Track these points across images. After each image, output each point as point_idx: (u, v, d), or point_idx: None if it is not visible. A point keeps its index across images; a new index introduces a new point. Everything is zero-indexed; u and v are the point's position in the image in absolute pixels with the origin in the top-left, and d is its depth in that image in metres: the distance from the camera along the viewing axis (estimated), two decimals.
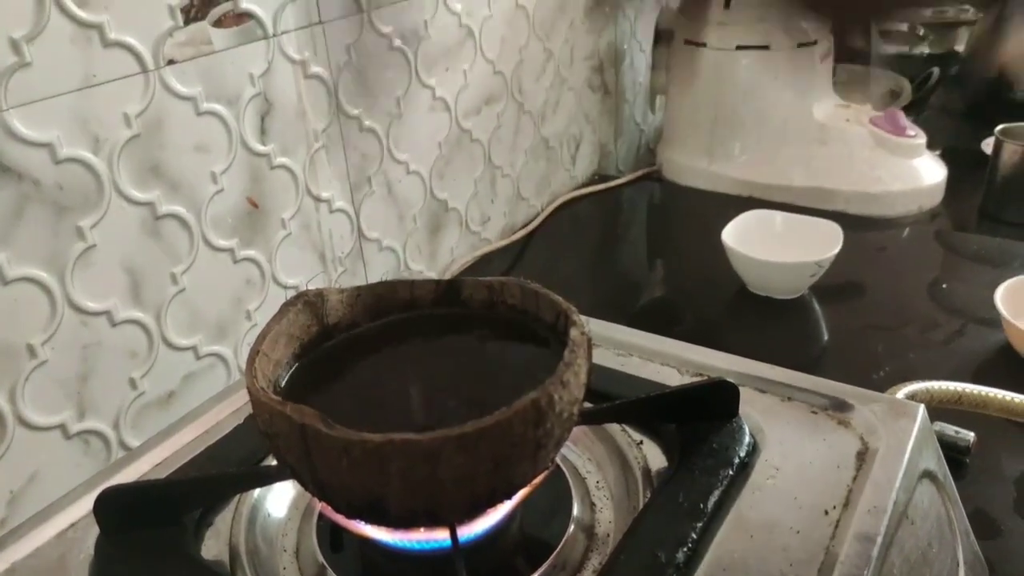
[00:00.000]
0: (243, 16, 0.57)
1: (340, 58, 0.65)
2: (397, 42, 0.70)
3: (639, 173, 1.06)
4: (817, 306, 0.75)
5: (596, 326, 0.50)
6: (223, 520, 0.38)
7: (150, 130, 0.53)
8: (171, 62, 0.53)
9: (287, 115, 0.62)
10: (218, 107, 0.57)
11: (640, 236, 0.99)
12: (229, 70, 0.57)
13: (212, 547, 0.37)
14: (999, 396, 0.51)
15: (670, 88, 1.01)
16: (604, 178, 1.06)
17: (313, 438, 0.30)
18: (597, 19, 0.99)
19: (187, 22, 0.53)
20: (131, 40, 0.50)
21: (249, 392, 0.32)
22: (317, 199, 0.67)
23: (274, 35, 0.59)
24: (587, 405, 0.39)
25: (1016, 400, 0.51)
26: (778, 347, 0.70)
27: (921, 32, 1.34)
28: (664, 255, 0.94)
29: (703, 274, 0.80)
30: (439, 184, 0.80)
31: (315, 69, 0.63)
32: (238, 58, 0.57)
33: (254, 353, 0.35)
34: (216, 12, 0.55)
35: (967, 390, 0.51)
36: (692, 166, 1.00)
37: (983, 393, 0.51)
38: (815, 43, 0.91)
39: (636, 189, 1.05)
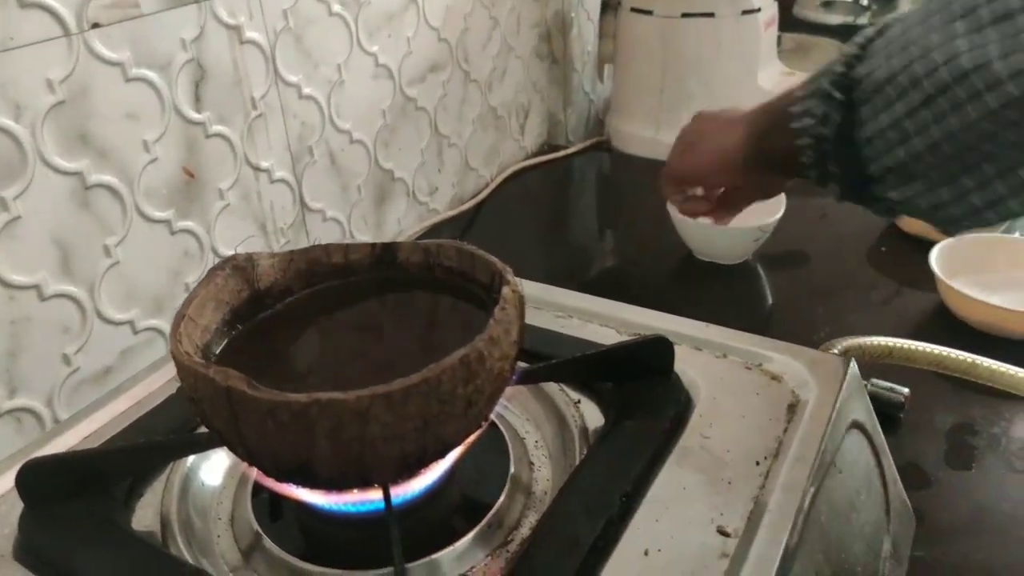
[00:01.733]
0: None
1: (277, 23, 0.64)
2: (336, 7, 0.69)
3: (588, 143, 1.06)
4: (762, 271, 0.76)
5: (537, 289, 0.50)
6: (154, 490, 0.38)
7: (75, 97, 0.51)
8: (96, 25, 0.51)
9: (222, 82, 0.60)
10: (148, 73, 0.55)
11: (590, 206, 0.99)
12: (159, 35, 0.55)
13: (143, 517, 0.37)
14: (927, 350, 0.52)
15: (617, 57, 1.01)
16: (553, 148, 1.06)
17: (238, 401, 0.29)
18: None
19: None
20: (50, 1, 0.48)
21: (173, 357, 0.32)
22: (256, 168, 0.65)
23: None
24: (525, 365, 0.40)
25: (943, 353, 0.52)
26: (724, 311, 0.71)
27: (865, 2, 1.35)
28: (613, 224, 0.94)
29: (651, 242, 0.80)
30: (384, 153, 0.79)
31: (251, 35, 0.62)
32: (168, 22, 0.55)
33: (179, 318, 0.34)
34: None
35: (897, 344, 0.52)
36: (640, 135, 1.00)
37: (912, 347, 0.52)
38: (759, 10, 0.91)
39: (586, 159, 1.05)
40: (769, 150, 0.51)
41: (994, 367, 0.51)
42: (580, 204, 1.00)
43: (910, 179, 0.40)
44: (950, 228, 0.41)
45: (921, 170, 0.39)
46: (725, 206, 0.63)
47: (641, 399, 0.39)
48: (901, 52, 0.38)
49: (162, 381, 0.44)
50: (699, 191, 0.64)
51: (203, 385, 0.30)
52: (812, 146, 0.44)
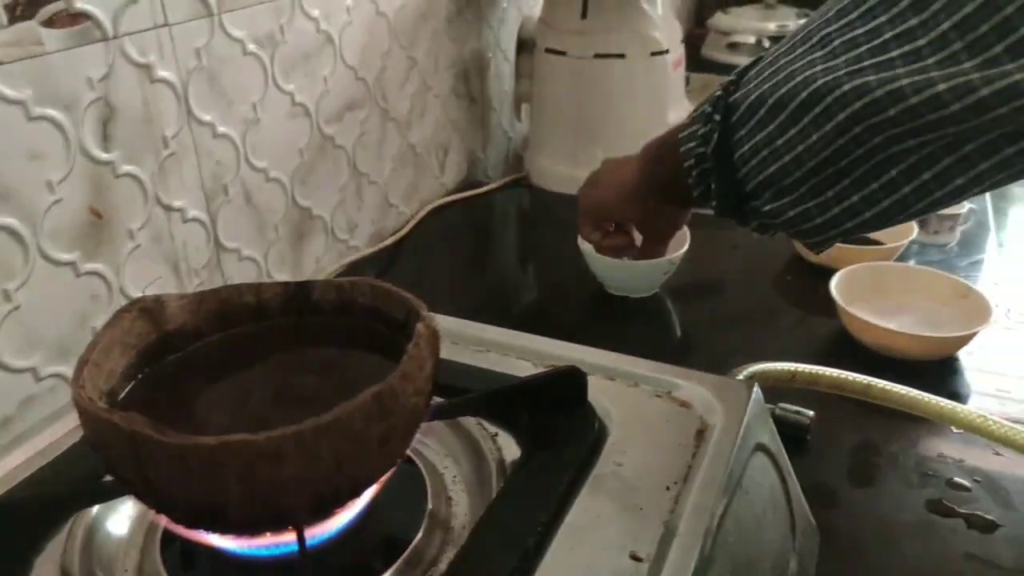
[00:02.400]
0: (79, 17, 0.54)
1: (189, 62, 0.63)
2: (251, 47, 0.69)
3: (508, 179, 1.08)
4: (672, 303, 0.79)
5: (455, 324, 0.51)
6: (55, 544, 0.36)
7: None
8: None
9: (132, 121, 0.59)
10: (52, 112, 0.54)
11: (509, 241, 1.01)
12: (64, 73, 0.54)
13: (42, 573, 0.35)
14: (827, 373, 0.55)
15: (534, 96, 1.04)
16: (473, 185, 1.07)
17: (144, 446, 0.29)
18: (460, 28, 1.00)
19: (12, 21, 0.50)
20: None
21: (75, 403, 0.31)
22: (168, 208, 0.64)
23: (114, 37, 0.57)
24: (441, 400, 0.40)
25: (841, 376, 0.55)
26: (638, 342, 0.73)
27: (767, 44, 1.43)
28: (532, 259, 0.96)
29: (568, 276, 0.82)
30: (302, 191, 0.78)
31: (162, 73, 0.61)
32: (74, 60, 0.54)
33: (82, 362, 0.33)
34: (46, 11, 0.52)
35: (799, 369, 0.55)
36: (558, 172, 1.02)
37: (813, 371, 0.55)
38: (667, 52, 0.95)
39: (505, 195, 1.07)
40: (661, 176, 0.54)
41: (887, 387, 0.55)
42: (500, 240, 1.01)
43: (781, 194, 0.43)
44: (817, 242, 0.45)
45: (790, 185, 0.43)
46: (646, 242, 0.66)
47: (556, 429, 0.40)
48: (770, 78, 0.42)
49: (65, 430, 0.43)
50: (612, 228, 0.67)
51: (107, 431, 0.30)
52: (695, 166, 0.47)
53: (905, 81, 0.35)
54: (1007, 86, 0.33)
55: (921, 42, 0.35)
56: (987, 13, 0.33)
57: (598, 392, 0.42)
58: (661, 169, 0.55)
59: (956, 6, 0.34)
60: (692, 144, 0.48)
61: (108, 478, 0.39)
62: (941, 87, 0.34)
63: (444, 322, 0.50)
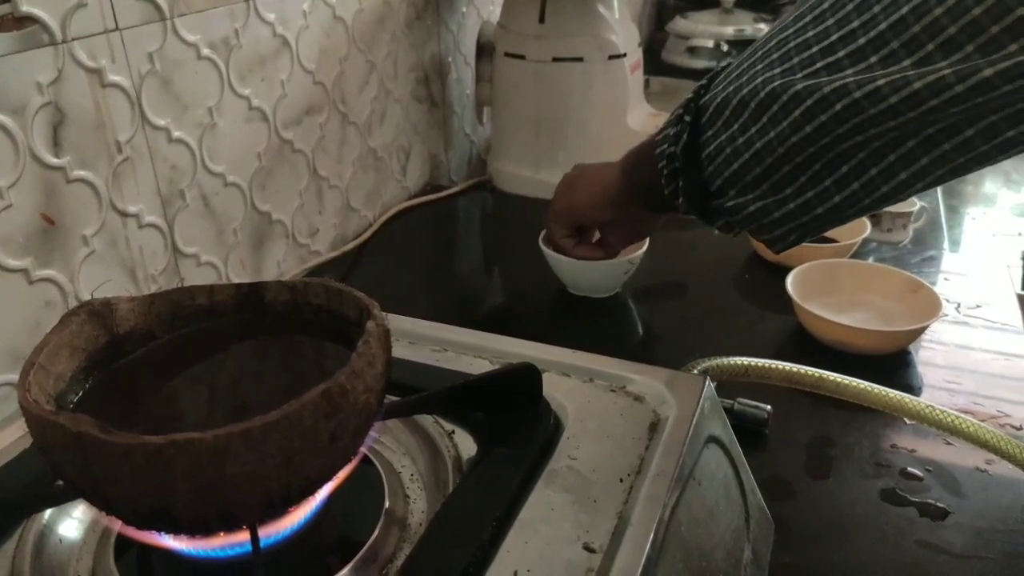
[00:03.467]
0: (25, 20, 0.53)
1: (142, 66, 0.63)
2: (206, 51, 0.68)
3: (470, 183, 1.08)
4: (632, 302, 0.79)
5: (411, 324, 0.51)
6: (4, 551, 0.36)
7: None
8: None
9: (84, 126, 0.59)
10: (0, 117, 0.53)
11: (472, 244, 1.01)
12: (12, 77, 0.53)
13: None
14: (780, 366, 0.56)
15: (495, 100, 1.04)
16: (436, 188, 1.08)
17: (91, 447, 0.29)
18: (419, 33, 1.01)
19: None
20: None
21: (21, 406, 0.31)
22: (124, 214, 0.63)
23: (64, 41, 0.56)
24: (397, 399, 0.40)
25: (794, 369, 0.56)
26: (599, 341, 0.74)
27: (726, 48, 1.45)
28: (495, 261, 0.96)
29: (530, 277, 0.82)
30: (261, 196, 0.78)
31: (114, 78, 0.60)
32: (22, 65, 0.54)
33: (28, 365, 0.33)
34: None
35: (752, 363, 0.56)
36: (519, 174, 1.03)
37: (766, 365, 0.56)
38: (624, 55, 0.96)
39: (468, 199, 1.07)
40: (640, 179, 0.56)
41: (839, 380, 0.56)
42: (463, 242, 1.01)
43: (743, 191, 0.45)
44: (775, 238, 0.47)
45: (751, 182, 0.45)
46: (608, 247, 0.69)
47: (511, 426, 0.40)
48: (735, 80, 0.44)
49: (15, 436, 0.42)
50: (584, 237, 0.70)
51: (53, 433, 0.29)
52: (666, 165, 0.49)
53: (851, 79, 0.37)
54: (936, 79, 0.34)
55: (862, 41, 0.37)
56: (919, 15, 0.35)
57: (553, 388, 0.43)
58: (640, 173, 0.57)
59: (893, 8, 0.36)
60: (665, 145, 0.50)
61: (59, 482, 0.39)
62: (881, 82, 0.36)
63: (402, 322, 0.51)
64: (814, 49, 0.39)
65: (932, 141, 0.39)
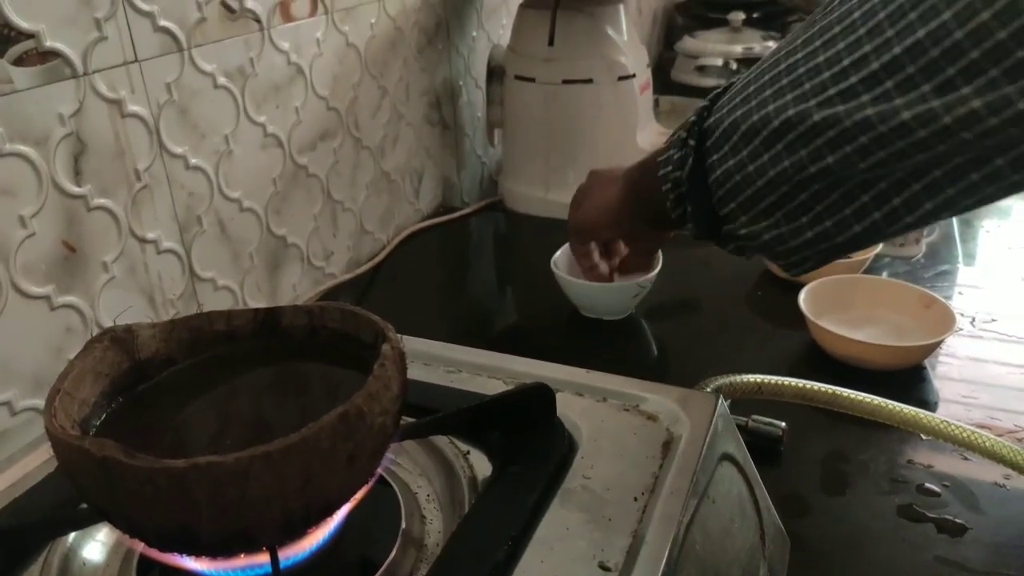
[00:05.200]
0: (48, 55, 0.55)
1: (160, 96, 0.64)
2: (222, 80, 0.70)
3: (483, 204, 1.09)
4: (645, 320, 0.80)
5: (425, 345, 0.52)
6: (31, 573, 0.36)
7: None
8: None
9: (104, 155, 0.60)
10: (23, 148, 0.54)
11: (485, 265, 1.02)
12: (35, 110, 0.55)
13: None
14: (793, 383, 0.56)
15: (506, 121, 1.06)
16: (449, 210, 1.09)
17: (115, 471, 0.29)
18: (430, 57, 1.02)
19: None
20: None
21: (48, 432, 0.31)
22: (143, 240, 0.65)
23: (85, 74, 0.58)
24: (412, 420, 0.41)
25: (807, 386, 0.56)
26: (610, 362, 0.74)
27: (735, 67, 1.46)
28: (508, 282, 0.97)
29: (543, 300, 0.83)
30: (276, 220, 0.79)
31: (133, 108, 0.62)
32: (44, 97, 0.55)
33: (54, 392, 0.33)
34: (16, 50, 0.53)
35: (765, 380, 0.56)
36: (531, 195, 1.04)
37: (779, 382, 0.56)
38: (634, 76, 0.97)
39: (481, 220, 1.08)
40: (642, 199, 0.56)
41: (853, 396, 0.56)
42: (476, 264, 1.02)
43: (756, 219, 0.44)
44: (792, 263, 0.46)
45: (764, 210, 0.43)
46: (631, 256, 0.68)
47: (526, 445, 0.41)
48: (742, 104, 0.43)
49: (40, 460, 0.43)
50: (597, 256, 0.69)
51: (78, 458, 0.30)
52: (672, 189, 0.48)
53: (871, 111, 0.36)
54: (967, 113, 0.33)
55: (875, 66, 0.35)
56: (936, 38, 0.33)
57: (567, 408, 0.43)
58: (641, 193, 0.56)
59: (908, 32, 0.34)
60: (669, 168, 0.49)
61: (83, 506, 0.39)
62: (905, 115, 0.35)
63: (416, 344, 0.52)
64: (825, 75, 0.38)
65: (960, 171, 0.37)
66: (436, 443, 0.43)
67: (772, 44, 1.51)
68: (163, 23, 0.63)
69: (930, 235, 0.93)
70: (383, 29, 0.91)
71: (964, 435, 0.53)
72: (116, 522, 0.32)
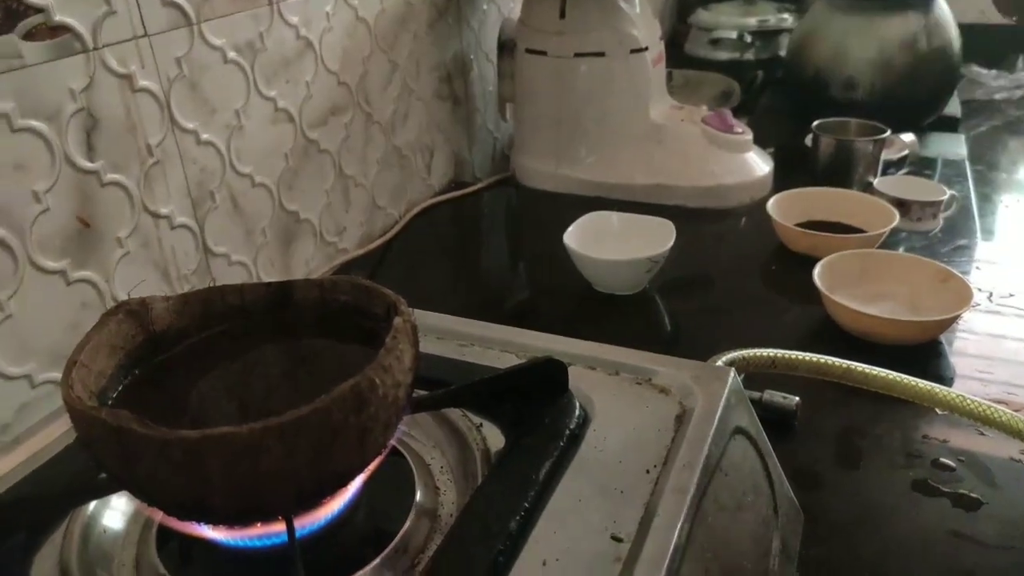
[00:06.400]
0: (58, 29, 0.55)
1: (171, 71, 0.64)
2: (232, 54, 0.69)
3: (494, 179, 1.08)
4: (659, 298, 0.79)
5: (438, 320, 0.52)
6: (53, 542, 0.37)
7: None
8: None
9: (115, 130, 0.60)
10: (36, 123, 0.54)
11: (497, 240, 1.02)
12: (46, 85, 0.55)
13: (41, 570, 0.36)
14: (806, 358, 0.56)
15: (517, 96, 1.05)
16: (461, 185, 1.08)
17: (130, 441, 0.29)
18: (441, 31, 1.01)
19: None
20: None
21: (65, 403, 0.32)
22: (156, 215, 0.65)
23: (95, 48, 0.57)
24: (426, 393, 0.41)
25: (821, 360, 0.56)
26: (624, 336, 0.74)
27: (749, 39, 1.44)
28: (520, 257, 0.97)
29: (556, 274, 0.83)
30: (288, 195, 0.79)
31: (143, 83, 0.62)
32: (56, 72, 0.55)
33: (71, 364, 0.34)
34: (25, 24, 0.52)
35: (779, 354, 0.56)
36: (542, 170, 1.03)
37: (793, 356, 0.56)
38: (646, 49, 0.96)
39: (492, 195, 1.08)
40: None
41: (868, 370, 0.55)
42: (488, 239, 1.02)
43: None
44: None
45: None
46: None
47: (538, 418, 0.41)
48: None
49: (59, 431, 0.44)
50: None
51: (95, 428, 0.30)
52: None
53: None
54: None
55: None
56: None
57: (579, 381, 0.43)
58: None
59: None
60: None
61: (102, 476, 0.40)
62: None
63: (429, 318, 0.52)
64: None
65: None
66: (449, 416, 0.43)
67: (787, 16, 1.48)
68: None
69: (948, 210, 0.92)
70: (393, 3, 0.91)
71: (981, 410, 0.53)
72: (133, 491, 0.32)
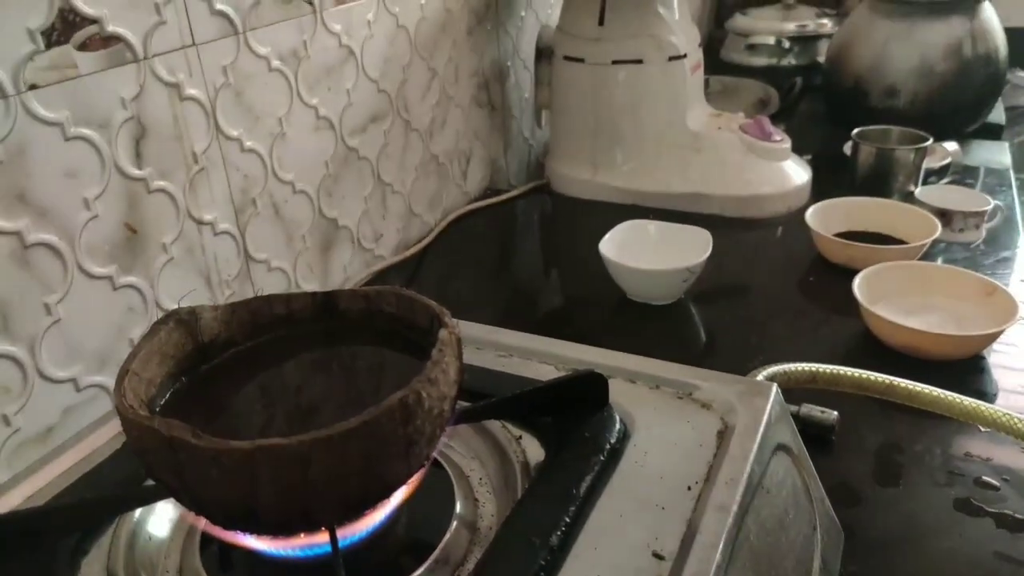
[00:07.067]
0: (110, 39, 0.56)
1: (217, 79, 0.65)
2: (276, 63, 0.70)
3: (529, 186, 1.09)
4: (694, 308, 0.79)
5: (478, 330, 0.52)
6: (100, 547, 0.38)
7: (13, 157, 0.51)
8: (33, 87, 0.52)
9: (163, 138, 0.61)
10: (88, 132, 0.56)
11: (532, 248, 1.02)
12: (98, 94, 0.56)
13: (88, 575, 0.37)
14: (849, 373, 0.55)
15: (553, 103, 1.05)
16: (495, 192, 1.09)
17: (182, 450, 0.30)
18: (479, 38, 1.02)
19: (49, 46, 0.52)
20: None
21: (118, 411, 0.32)
22: (199, 222, 0.66)
23: (145, 58, 0.59)
24: (466, 404, 0.41)
25: (863, 375, 0.55)
26: (659, 347, 0.74)
27: (787, 45, 1.43)
28: (555, 265, 0.97)
29: (591, 283, 0.82)
30: (328, 202, 0.80)
31: (190, 91, 0.63)
32: (107, 82, 0.56)
33: (123, 372, 0.35)
34: (80, 35, 0.54)
35: (820, 369, 0.55)
36: (578, 177, 1.03)
37: (834, 371, 0.55)
38: (685, 56, 0.96)
39: (527, 202, 1.08)
40: None
41: (911, 387, 0.55)
42: (523, 246, 1.02)
43: None
44: None
45: None
46: None
47: (578, 432, 0.41)
48: None
49: (107, 437, 0.45)
50: None
51: (147, 437, 0.31)
52: None
53: None
54: None
55: None
56: None
57: (620, 394, 0.43)
58: None
59: None
60: None
61: (149, 482, 0.41)
62: None
63: (468, 328, 0.52)
64: None
65: None
66: (489, 427, 0.44)
67: (826, 21, 1.47)
68: (219, 7, 0.64)
69: (991, 220, 0.90)
70: (433, 10, 0.91)
71: None
72: (182, 499, 0.33)
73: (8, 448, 0.54)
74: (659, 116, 0.97)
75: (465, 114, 1.02)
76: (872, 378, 0.55)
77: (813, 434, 0.58)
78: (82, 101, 0.55)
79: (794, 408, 0.59)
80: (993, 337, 0.66)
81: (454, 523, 0.38)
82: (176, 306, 0.64)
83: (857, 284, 0.71)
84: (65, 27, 0.53)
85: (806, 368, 0.55)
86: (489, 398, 0.42)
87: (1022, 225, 0.93)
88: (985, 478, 0.55)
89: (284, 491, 0.30)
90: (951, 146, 1.07)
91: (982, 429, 0.58)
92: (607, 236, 0.79)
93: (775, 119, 1.09)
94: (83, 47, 0.54)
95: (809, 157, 1.04)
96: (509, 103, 1.12)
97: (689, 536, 0.35)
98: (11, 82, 0.50)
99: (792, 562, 0.39)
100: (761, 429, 0.40)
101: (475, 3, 0.99)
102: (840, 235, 0.84)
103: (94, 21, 0.55)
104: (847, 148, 1.03)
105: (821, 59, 1.37)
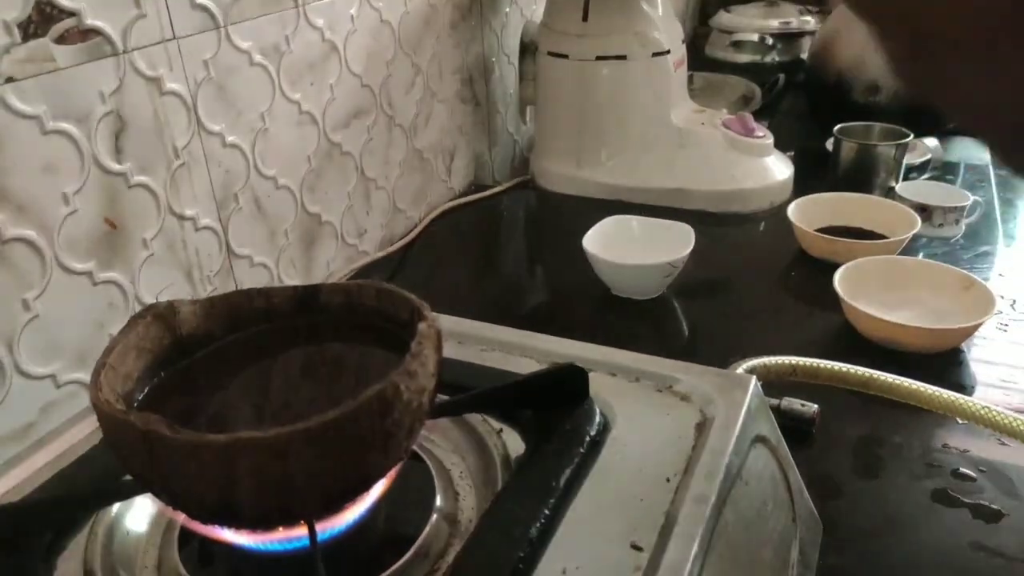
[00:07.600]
0: (89, 33, 0.56)
1: (198, 74, 0.65)
2: (258, 57, 0.70)
3: (514, 182, 1.09)
4: (677, 303, 0.79)
5: (459, 324, 0.52)
6: (77, 543, 0.38)
7: None
8: (10, 80, 0.51)
9: (143, 133, 0.61)
10: (66, 126, 0.55)
11: (517, 243, 1.02)
12: (77, 88, 0.56)
13: (66, 572, 0.36)
14: (828, 366, 0.55)
15: (538, 98, 1.05)
16: (480, 188, 1.09)
17: (159, 444, 0.30)
18: (463, 34, 1.02)
19: (26, 38, 0.52)
20: None
21: (93, 405, 0.32)
22: (181, 217, 0.66)
23: (124, 52, 0.58)
24: (446, 398, 0.41)
25: (842, 369, 0.55)
26: (642, 341, 0.74)
27: (770, 42, 1.43)
28: (539, 260, 0.97)
29: (574, 279, 0.83)
30: (311, 198, 0.80)
31: (171, 85, 0.63)
32: (86, 75, 0.56)
33: (99, 366, 0.34)
34: (58, 28, 0.53)
35: (800, 362, 0.56)
36: (562, 173, 1.03)
37: (814, 364, 0.55)
38: (668, 52, 0.96)
39: (512, 198, 1.08)
40: None
41: (890, 380, 0.55)
42: (507, 242, 1.02)
43: None
44: None
45: None
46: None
47: (559, 425, 0.41)
48: None
49: (85, 432, 0.44)
50: None
51: (123, 431, 0.31)
52: None
53: None
54: None
55: None
56: None
57: (600, 388, 0.43)
58: None
59: None
60: None
61: (127, 478, 0.40)
62: None
63: (449, 322, 0.52)
64: None
65: None
66: (469, 420, 0.44)
67: (809, 19, 1.47)
68: (200, 0, 0.64)
69: (970, 215, 0.91)
70: (416, 5, 0.91)
71: (1003, 420, 0.53)
72: (159, 494, 0.33)
73: None
74: (643, 112, 0.98)
75: (449, 109, 1.02)
76: (851, 371, 0.56)
77: (793, 427, 0.59)
78: (60, 95, 0.54)
79: (775, 401, 0.59)
80: (971, 331, 0.67)
81: (434, 516, 0.38)
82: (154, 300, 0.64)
83: (838, 278, 0.72)
84: (42, 20, 0.52)
85: (786, 361, 0.56)
86: (469, 391, 0.42)
87: (1001, 220, 0.94)
88: (962, 469, 0.56)
89: (262, 485, 0.30)
90: (931, 142, 1.08)
91: (960, 421, 0.59)
92: (590, 232, 0.79)
93: (758, 115, 1.09)
94: (61, 40, 0.54)
95: (791, 153, 1.04)
96: (494, 98, 1.12)
97: (667, 527, 0.35)
98: None
99: (770, 553, 0.40)
100: (740, 421, 0.41)
101: None
102: (822, 230, 0.85)
103: (72, 14, 0.54)
104: (829, 144, 1.04)
105: (804, 56, 1.38)
